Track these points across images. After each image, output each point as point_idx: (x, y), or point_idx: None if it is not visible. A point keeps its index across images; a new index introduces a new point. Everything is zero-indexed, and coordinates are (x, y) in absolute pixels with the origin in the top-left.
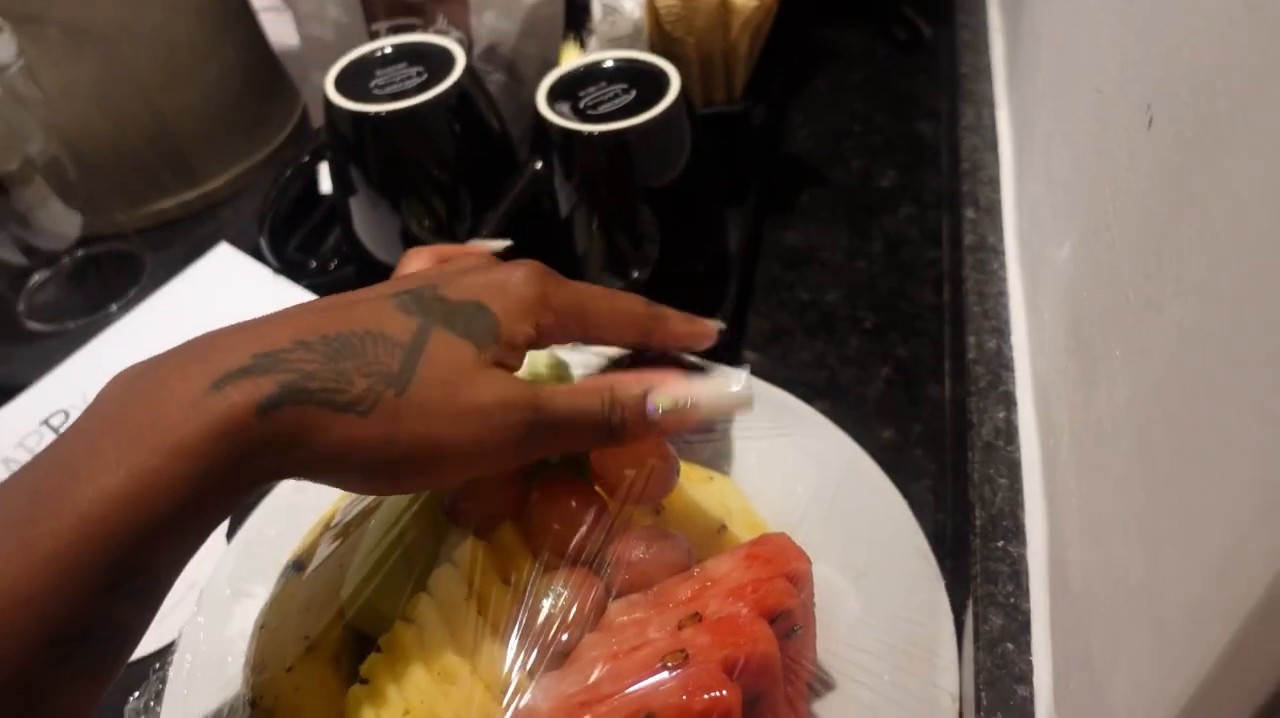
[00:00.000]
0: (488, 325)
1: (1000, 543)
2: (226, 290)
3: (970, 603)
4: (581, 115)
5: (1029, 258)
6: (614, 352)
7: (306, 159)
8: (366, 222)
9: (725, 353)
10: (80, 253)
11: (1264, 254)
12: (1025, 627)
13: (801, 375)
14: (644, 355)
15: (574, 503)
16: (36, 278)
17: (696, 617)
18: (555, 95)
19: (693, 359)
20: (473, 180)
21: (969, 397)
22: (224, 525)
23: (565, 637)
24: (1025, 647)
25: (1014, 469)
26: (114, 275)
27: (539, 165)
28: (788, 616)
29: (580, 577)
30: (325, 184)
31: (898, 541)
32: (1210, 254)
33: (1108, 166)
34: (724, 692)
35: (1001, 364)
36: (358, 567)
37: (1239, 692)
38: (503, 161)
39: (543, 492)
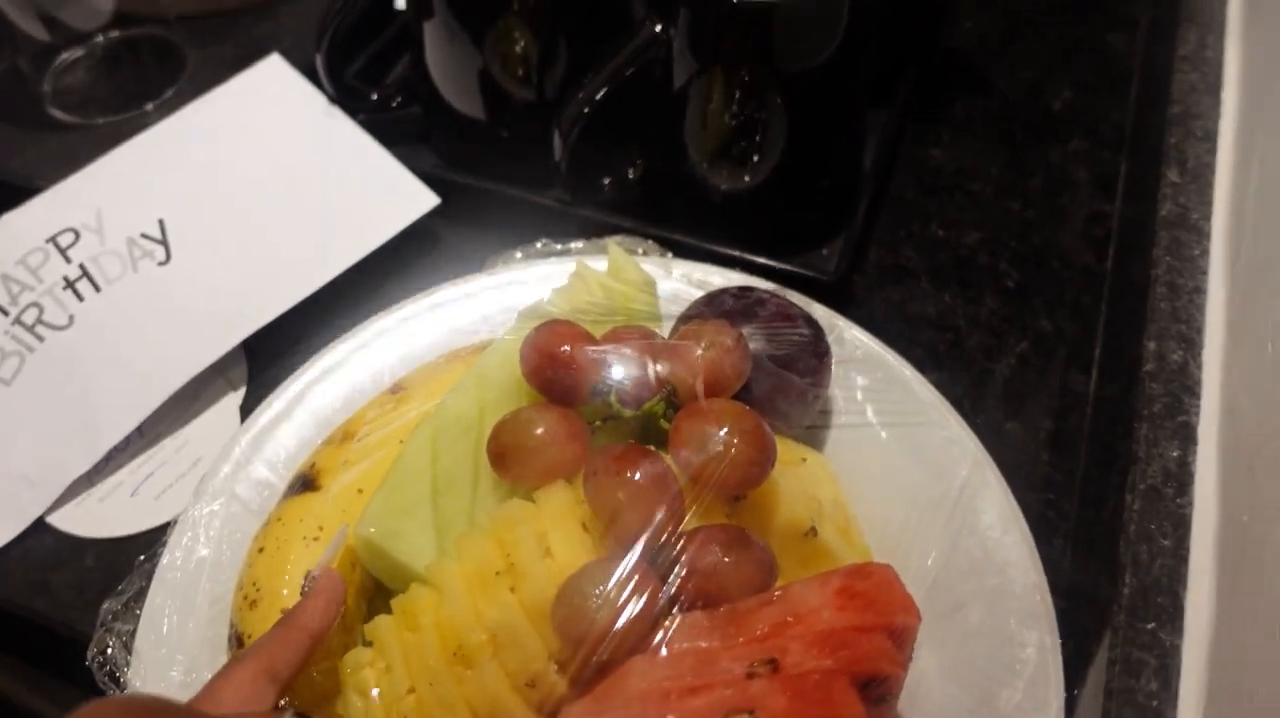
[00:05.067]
0: None
1: (1150, 625)
2: (273, 112)
3: (1102, 698)
4: None
5: (1248, 255)
6: (718, 278)
7: None
8: (442, 55)
9: (835, 292)
10: (115, 34)
11: None
12: None
13: (920, 334)
14: (753, 293)
15: (644, 478)
16: (64, 57)
17: (773, 664)
18: None
19: (798, 305)
20: (572, 26)
21: (1137, 421)
22: (239, 396)
23: (612, 645)
24: None
25: (1182, 529)
26: (152, 67)
27: (659, 28)
28: (883, 682)
29: (641, 574)
30: None
31: (1009, 587)
32: None
33: None
34: None
35: (1185, 387)
36: (379, 502)
37: None
38: (609, 8)
39: (608, 457)
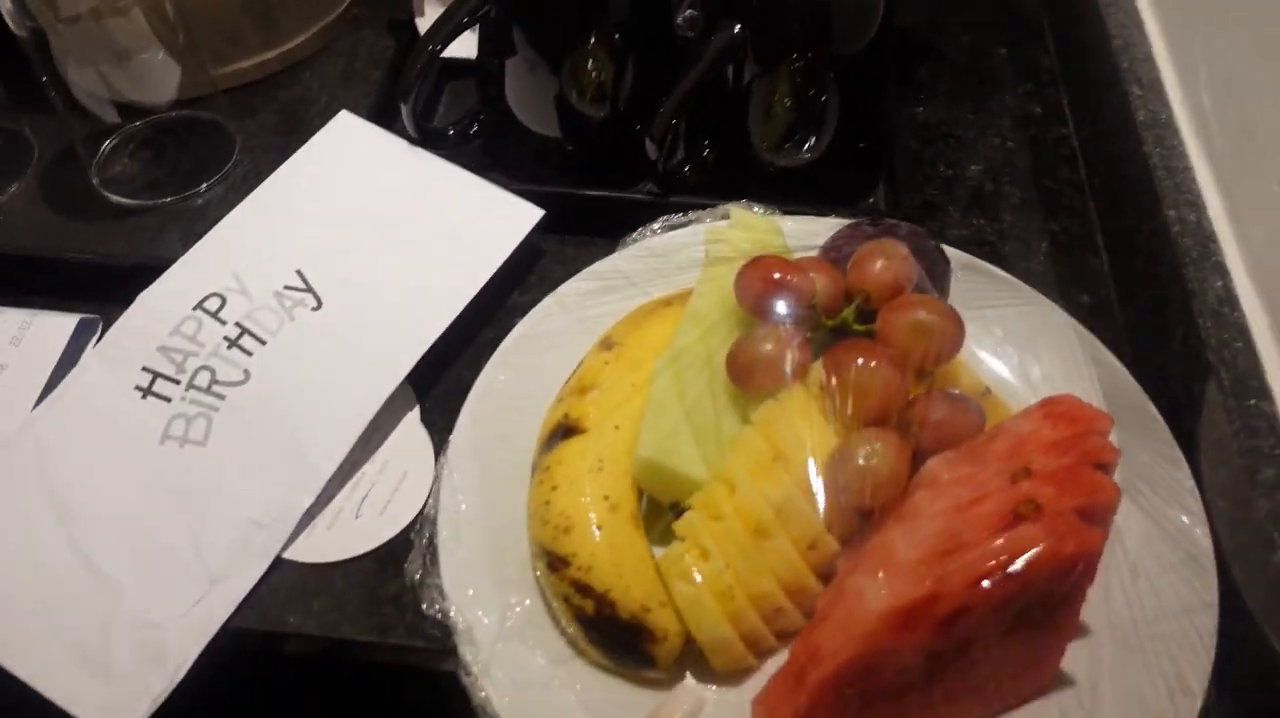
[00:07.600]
0: None
1: (1252, 402)
2: (360, 161)
3: (1236, 455)
4: None
5: (1216, 132)
6: (819, 226)
7: (465, 20)
8: (522, 86)
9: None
10: (171, 114)
11: None
12: None
13: (966, 251)
14: (883, 222)
15: (870, 363)
16: (107, 144)
17: (1027, 470)
18: None
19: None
20: (636, 38)
21: (1183, 267)
22: (416, 412)
23: (880, 494)
24: None
25: (1245, 334)
26: (199, 146)
27: (736, 30)
28: (1108, 469)
29: (889, 436)
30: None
31: (1121, 404)
32: None
33: None
34: (1093, 535)
35: (1206, 235)
36: (648, 430)
37: None
38: (659, 13)
39: (836, 354)
